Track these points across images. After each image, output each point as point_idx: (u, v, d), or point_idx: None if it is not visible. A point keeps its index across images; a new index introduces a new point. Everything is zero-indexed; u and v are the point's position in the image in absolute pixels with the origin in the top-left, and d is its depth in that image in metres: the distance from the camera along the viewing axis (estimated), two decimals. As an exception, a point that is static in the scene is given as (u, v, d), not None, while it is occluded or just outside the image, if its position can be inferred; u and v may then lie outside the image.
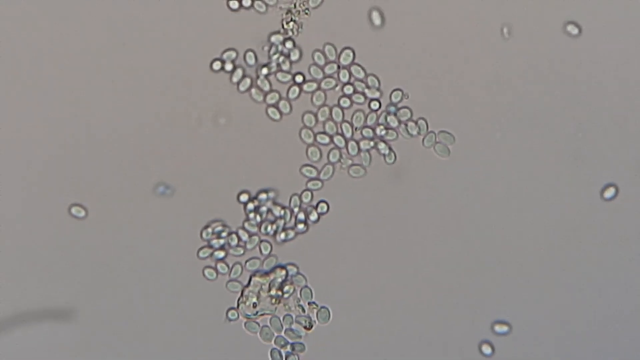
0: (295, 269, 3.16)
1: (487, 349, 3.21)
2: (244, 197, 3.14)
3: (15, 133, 3.10)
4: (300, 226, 3.16)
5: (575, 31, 3.14)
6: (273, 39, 3.10)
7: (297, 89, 3.13)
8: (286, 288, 3.15)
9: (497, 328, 3.20)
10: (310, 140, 3.14)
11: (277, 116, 3.13)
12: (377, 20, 3.13)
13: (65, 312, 3.13)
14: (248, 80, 3.12)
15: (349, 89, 3.14)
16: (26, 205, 3.11)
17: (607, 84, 3.16)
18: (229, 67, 3.11)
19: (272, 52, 3.11)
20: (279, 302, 3.15)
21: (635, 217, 3.20)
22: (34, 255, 3.12)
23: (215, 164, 3.14)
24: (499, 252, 3.19)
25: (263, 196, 3.14)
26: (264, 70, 3.12)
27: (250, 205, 3.15)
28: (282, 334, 3.16)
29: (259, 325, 3.15)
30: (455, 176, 3.16)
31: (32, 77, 3.10)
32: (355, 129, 3.15)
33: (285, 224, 3.17)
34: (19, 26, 3.09)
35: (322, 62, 3.12)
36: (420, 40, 3.13)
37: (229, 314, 3.14)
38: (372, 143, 3.15)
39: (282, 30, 3.10)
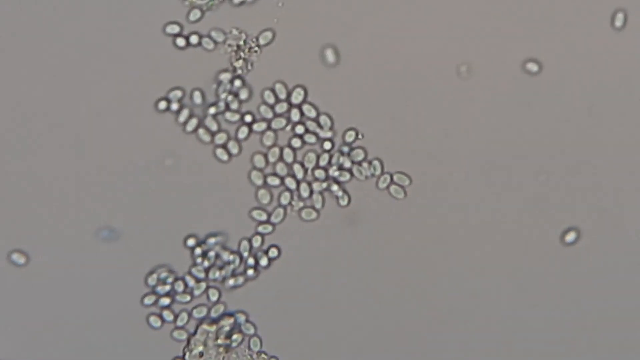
0: (244, 317, 3.08)
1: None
2: (191, 242, 3.05)
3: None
4: (250, 272, 3.08)
5: (535, 68, 3.06)
6: (221, 77, 3.02)
7: (246, 129, 3.04)
8: (234, 337, 3.06)
9: (454, 378, 3.13)
10: (260, 182, 3.06)
11: (226, 157, 3.04)
12: (330, 58, 3.04)
13: (1, 364, 3.04)
14: (195, 121, 3.03)
15: (300, 129, 3.06)
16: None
17: (568, 123, 3.09)
18: (175, 106, 3.02)
19: (220, 90, 3.02)
20: (227, 352, 3.07)
21: (597, 261, 3.13)
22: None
23: (161, 207, 3.05)
24: (457, 295, 3.11)
25: (211, 240, 3.06)
26: (212, 110, 3.03)
27: (198, 250, 3.06)
28: (231, 383, 3.08)
29: (206, 375, 3.07)
30: (411, 218, 3.08)
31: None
32: (307, 170, 3.06)
33: (234, 269, 3.08)
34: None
35: (272, 100, 3.04)
36: (375, 78, 3.06)
37: (175, 364, 3.07)
38: (324, 185, 3.07)
39: (230, 68, 3.02)
